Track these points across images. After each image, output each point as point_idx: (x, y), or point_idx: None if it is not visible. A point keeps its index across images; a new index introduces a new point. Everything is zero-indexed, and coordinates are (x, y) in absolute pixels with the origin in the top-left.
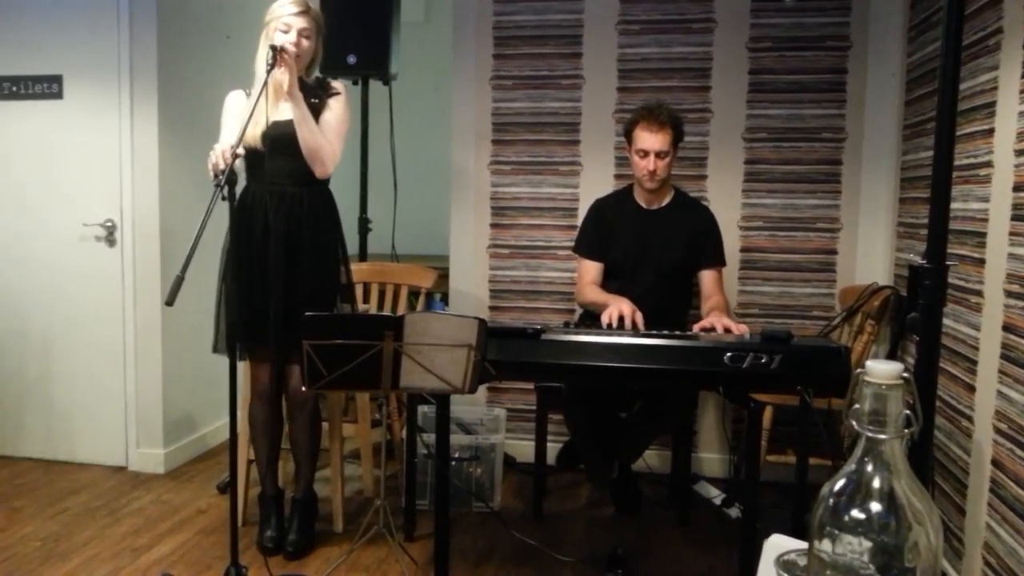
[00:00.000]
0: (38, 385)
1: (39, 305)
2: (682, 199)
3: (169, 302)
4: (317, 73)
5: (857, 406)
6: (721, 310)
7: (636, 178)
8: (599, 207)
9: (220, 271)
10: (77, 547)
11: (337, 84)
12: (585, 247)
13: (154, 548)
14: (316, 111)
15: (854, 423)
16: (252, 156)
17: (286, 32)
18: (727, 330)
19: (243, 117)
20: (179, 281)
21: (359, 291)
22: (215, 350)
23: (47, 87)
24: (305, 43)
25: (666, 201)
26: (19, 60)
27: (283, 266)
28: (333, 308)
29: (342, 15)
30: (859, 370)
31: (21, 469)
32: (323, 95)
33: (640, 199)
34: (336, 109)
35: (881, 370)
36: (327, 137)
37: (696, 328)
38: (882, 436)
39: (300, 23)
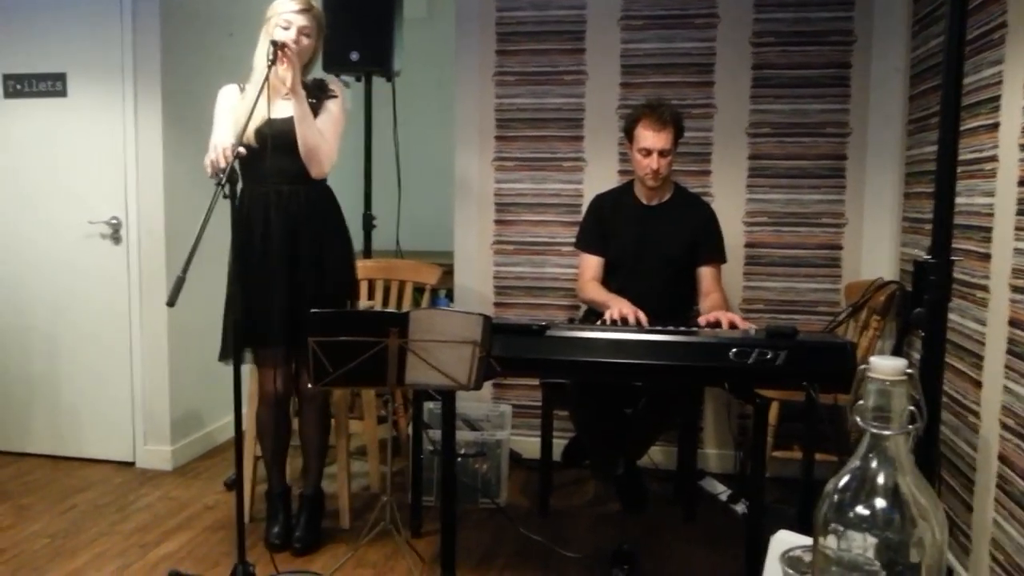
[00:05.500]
0: (45, 382)
1: (45, 303)
2: (682, 195)
3: (170, 303)
4: (317, 75)
5: (861, 402)
6: (720, 308)
7: (637, 176)
8: (599, 202)
9: (228, 275)
10: (85, 544)
11: (334, 86)
12: (586, 242)
13: (162, 545)
14: (313, 112)
15: (858, 419)
16: (246, 154)
17: (287, 29)
18: (732, 325)
19: (239, 113)
20: (180, 282)
21: (364, 288)
22: (221, 358)
23: (51, 85)
24: (305, 41)
25: (666, 197)
26: (23, 58)
27: (286, 267)
28: (346, 305)
29: (345, 12)
30: (863, 366)
31: (28, 466)
32: (321, 96)
33: (641, 195)
34: (333, 111)
35: (885, 366)
36: (324, 137)
37: (702, 322)
38: (886, 432)
39: (301, 20)
